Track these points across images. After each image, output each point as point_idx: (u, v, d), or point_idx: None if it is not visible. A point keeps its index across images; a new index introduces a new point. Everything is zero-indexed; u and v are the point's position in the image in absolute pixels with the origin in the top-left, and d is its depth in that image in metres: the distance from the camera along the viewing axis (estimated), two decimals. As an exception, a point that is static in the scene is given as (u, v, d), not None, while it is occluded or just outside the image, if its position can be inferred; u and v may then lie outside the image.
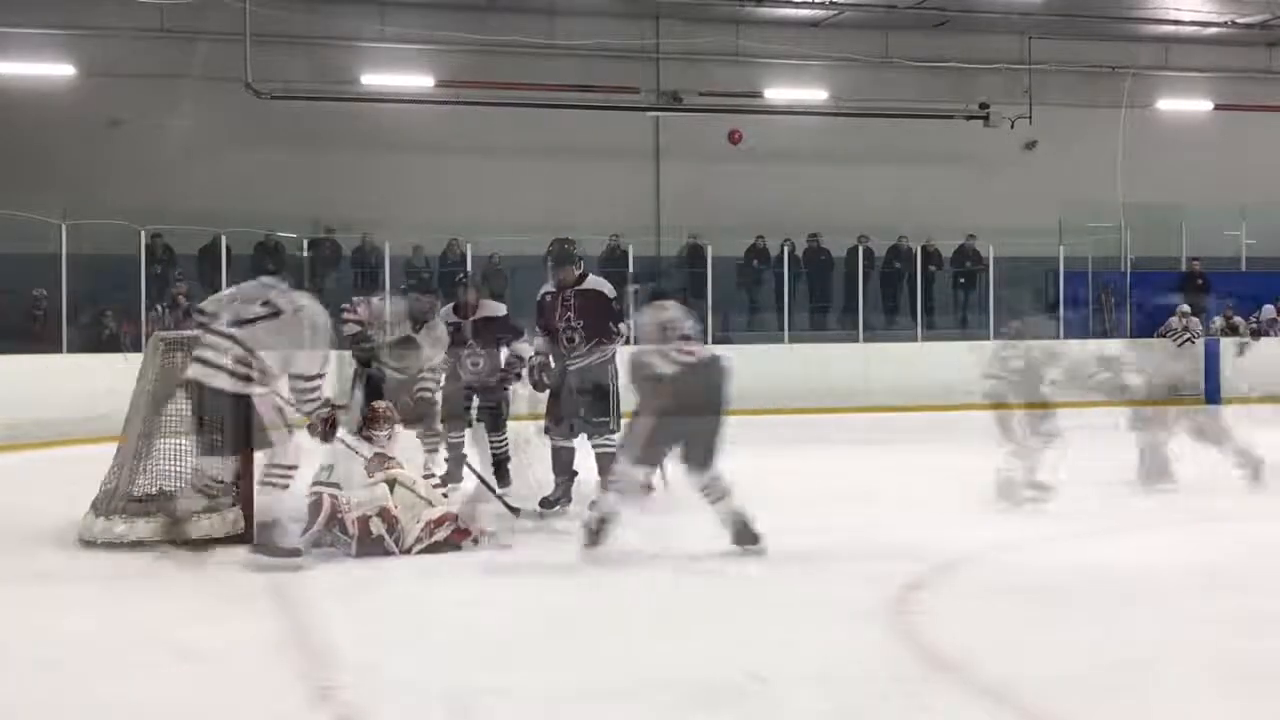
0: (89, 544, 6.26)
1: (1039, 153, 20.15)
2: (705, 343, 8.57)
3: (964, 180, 19.59)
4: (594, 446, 7.33)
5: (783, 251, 17.45)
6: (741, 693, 3.89)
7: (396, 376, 7.24)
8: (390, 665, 4.23)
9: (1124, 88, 19.91)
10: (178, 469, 6.50)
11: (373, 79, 18.14)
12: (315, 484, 6.17)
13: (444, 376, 7.82)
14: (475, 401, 8.03)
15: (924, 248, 18.06)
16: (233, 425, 5.98)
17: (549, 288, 7.51)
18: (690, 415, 6.13)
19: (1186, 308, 17.65)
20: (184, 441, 6.49)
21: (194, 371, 5.98)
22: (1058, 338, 10.13)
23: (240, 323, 5.99)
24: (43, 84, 16.92)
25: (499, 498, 7.16)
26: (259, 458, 6.05)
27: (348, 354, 7.02)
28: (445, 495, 6.60)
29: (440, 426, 7.80)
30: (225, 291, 6.52)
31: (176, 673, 4.22)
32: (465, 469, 7.64)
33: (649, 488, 7.06)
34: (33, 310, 14.26)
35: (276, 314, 6.04)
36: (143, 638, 4.69)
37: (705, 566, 5.94)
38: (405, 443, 7.01)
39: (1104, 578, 5.51)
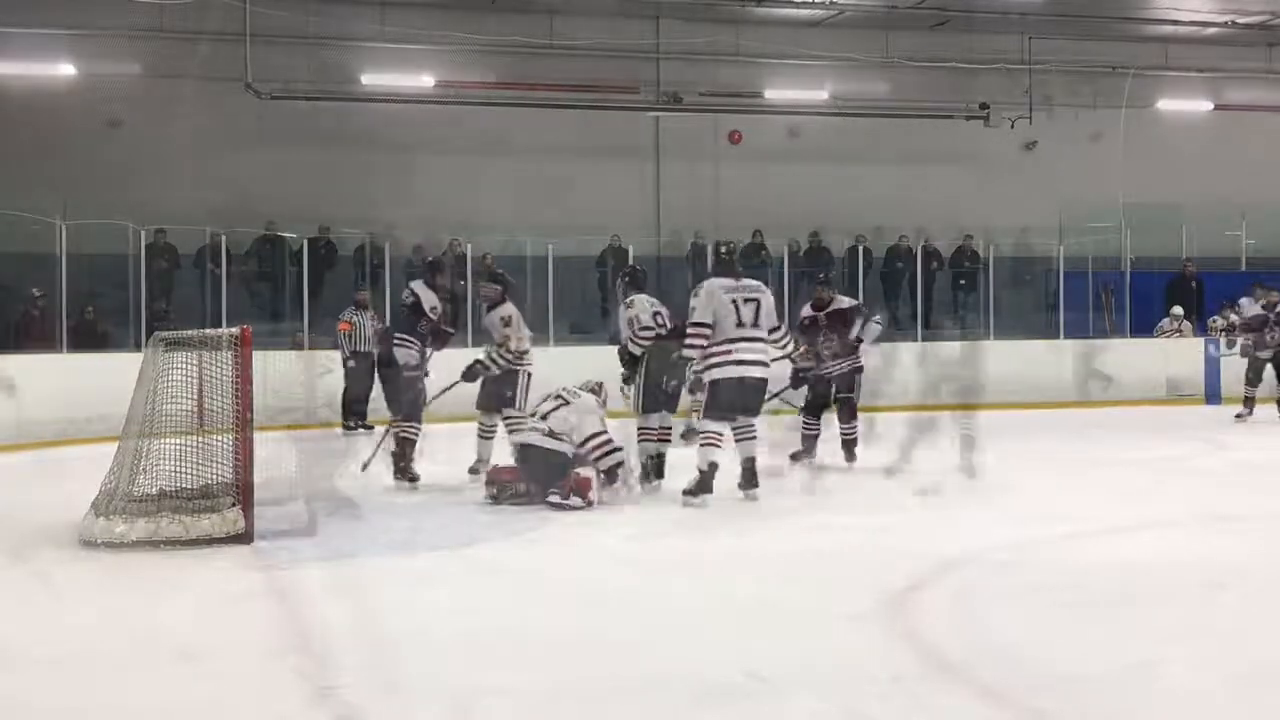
0: (89, 544, 6.25)
1: (1039, 153, 20.15)
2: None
3: (964, 180, 19.58)
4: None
5: (784, 252, 17.44)
6: (741, 693, 3.89)
7: None
8: (390, 665, 4.23)
9: (1124, 88, 19.90)
10: (178, 469, 6.50)
11: (373, 79, 18.13)
12: None
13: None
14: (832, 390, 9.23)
15: (924, 247, 18.06)
16: None
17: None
18: None
19: (1179, 310, 17.66)
20: (184, 441, 6.51)
21: None
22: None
23: None
24: (43, 84, 16.91)
25: None
26: None
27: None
28: None
29: None
30: None
31: (176, 673, 4.22)
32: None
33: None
34: (31, 310, 14.27)
35: None
36: (143, 638, 4.69)
37: (705, 566, 5.94)
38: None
39: (1106, 577, 5.50)
